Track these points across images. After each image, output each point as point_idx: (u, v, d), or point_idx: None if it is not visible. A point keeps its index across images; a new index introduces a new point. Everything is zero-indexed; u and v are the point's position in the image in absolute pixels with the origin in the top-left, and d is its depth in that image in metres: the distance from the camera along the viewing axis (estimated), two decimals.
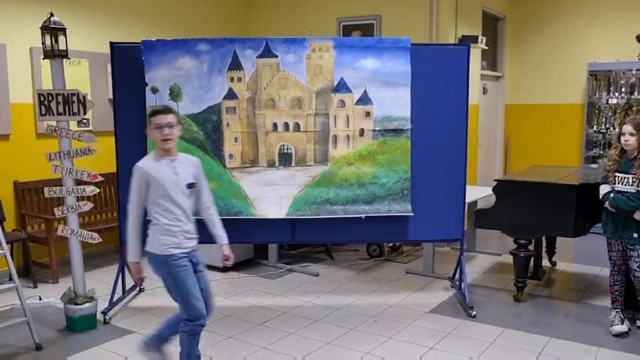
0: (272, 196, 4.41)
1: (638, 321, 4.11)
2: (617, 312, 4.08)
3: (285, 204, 4.42)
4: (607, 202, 3.89)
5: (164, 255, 3.02)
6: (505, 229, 4.70)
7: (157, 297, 4.74)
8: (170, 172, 3.06)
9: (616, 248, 4.01)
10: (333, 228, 4.50)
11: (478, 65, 6.89)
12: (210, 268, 5.50)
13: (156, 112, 3.09)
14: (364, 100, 4.40)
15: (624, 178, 3.82)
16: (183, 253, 3.06)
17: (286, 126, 4.40)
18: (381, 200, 4.44)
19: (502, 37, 7.87)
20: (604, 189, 3.95)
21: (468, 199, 5.01)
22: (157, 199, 3.03)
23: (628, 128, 3.78)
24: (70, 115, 4.04)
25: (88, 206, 4.14)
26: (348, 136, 4.44)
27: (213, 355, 3.71)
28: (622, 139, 3.81)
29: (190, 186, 3.12)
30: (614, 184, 3.87)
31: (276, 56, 4.36)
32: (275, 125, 4.44)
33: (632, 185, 3.78)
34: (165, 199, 3.02)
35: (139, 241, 3.08)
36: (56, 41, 3.94)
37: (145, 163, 3.08)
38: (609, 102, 7.07)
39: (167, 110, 3.11)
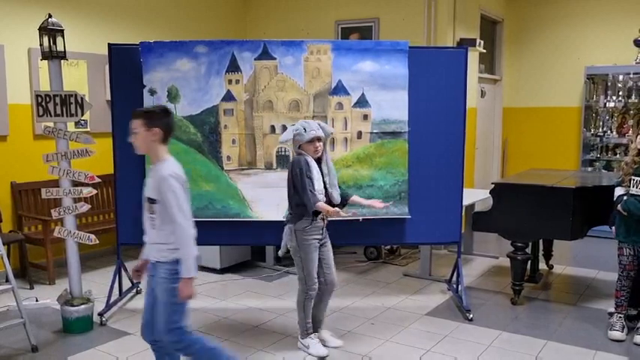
0: (269, 198, 4.41)
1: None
2: (620, 317, 4.03)
3: (283, 206, 4.41)
4: (619, 206, 3.86)
5: None
6: (502, 232, 4.70)
7: None
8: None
9: (627, 253, 3.95)
10: (331, 230, 4.50)
11: (476, 68, 6.90)
12: (207, 269, 5.51)
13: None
14: (362, 102, 4.40)
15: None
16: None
17: (284, 128, 4.40)
18: None
19: (500, 41, 7.88)
20: (618, 191, 3.93)
21: (466, 202, 5.01)
22: None
23: None
24: (67, 116, 4.03)
25: (85, 207, 4.14)
26: (345, 138, 4.44)
27: None
28: None
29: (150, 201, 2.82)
30: (629, 187, 3.83)
31: (274, 58, 4.36)
32: (273, 127, 4.44)
33: None
34: None
35: None
36: (54, 42, 3.93)
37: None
38: (606, 106, 7.09)
39: (134, 114, 2.82)
